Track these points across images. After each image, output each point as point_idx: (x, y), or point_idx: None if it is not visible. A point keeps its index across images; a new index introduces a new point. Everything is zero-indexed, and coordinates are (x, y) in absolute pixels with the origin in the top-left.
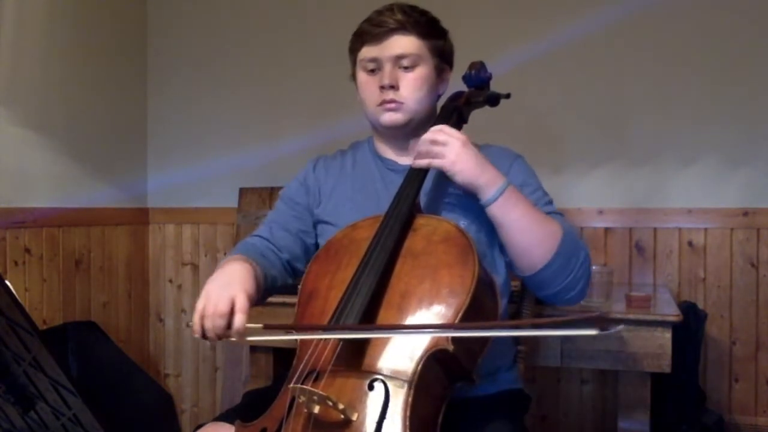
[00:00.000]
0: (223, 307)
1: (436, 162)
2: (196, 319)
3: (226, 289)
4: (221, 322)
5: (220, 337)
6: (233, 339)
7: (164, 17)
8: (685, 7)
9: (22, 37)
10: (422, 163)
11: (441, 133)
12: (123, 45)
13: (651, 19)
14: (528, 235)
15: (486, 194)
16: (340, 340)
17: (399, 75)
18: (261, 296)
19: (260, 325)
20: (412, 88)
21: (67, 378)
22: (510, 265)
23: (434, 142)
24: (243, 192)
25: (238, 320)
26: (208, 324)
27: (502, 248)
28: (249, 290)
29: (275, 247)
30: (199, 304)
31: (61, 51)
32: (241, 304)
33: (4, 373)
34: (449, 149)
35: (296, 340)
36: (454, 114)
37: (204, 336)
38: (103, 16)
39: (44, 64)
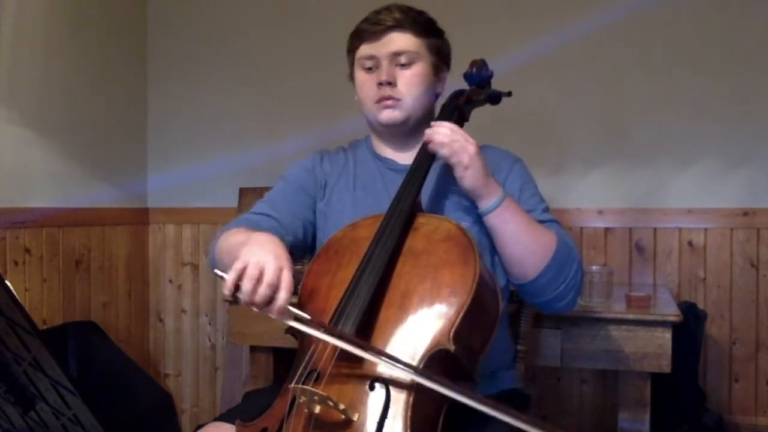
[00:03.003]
0: (272, 275)
1: (455, 158)
2: (232, 276)
3: (274, 259)
4: (266, 292)
5: (255, 305)
6: (270, 315)
7: (164, 17)
8: (685, 7)
9: (22, 37)
10: (444, 151)
11: (457, 133)
12: (123, 45)
13: (651, 19)
14: (522, 246)
15: (486, 203)
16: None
17: (396, 72)
18: None
19: (306, 316)
20: (409, 85)
21: (67, 378)
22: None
23: (454, 139)
24: (243, 192)
25: (282, 297)
26: (248, 286)
27: None
28: (292, 268)
29: (283, 229)
30: (239, 264)
31: (61, 51)
32: (287, 279)
33: (4, 373)
34: (466, 151)
35: (296, 337)
36: (456, 112)
37: (234, 299)
38: (103, 16)
39: (44, 64)
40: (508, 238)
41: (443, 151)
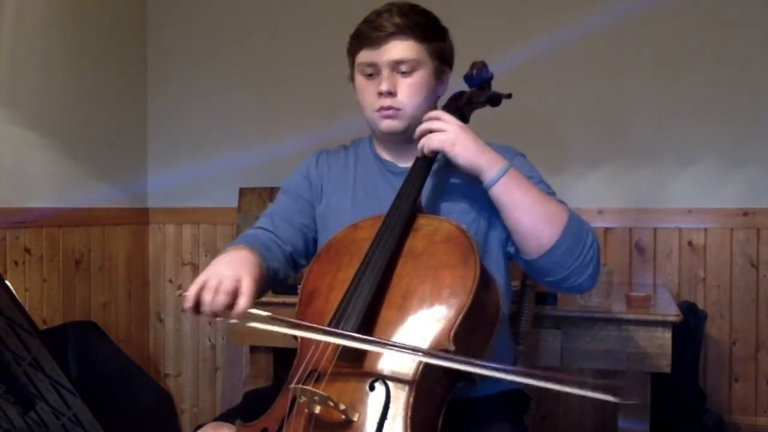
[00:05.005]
0: (229, 284)
1: (435, 141)
2: (193, 289)
3: (233, 269)
4: (223, 300)
5: (215, 315)
6: (231, 321)
7: (164, 17)
8: (685, 7)
9: (22, 37)
10: (431, 144)
11: (437, 120)
12: (123, 45)
13: (651, 19)
14: (533, 215)
15: (489, 174)
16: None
17: (397, 80)
18: (263, 288)
19: (267, 314)
20: (410, 94)
21: (67, 378)
22: (514, 255)
23: (430, 129)
24: (243, 192)
25: (243, 303)
26: (208, 297)
27: (507, 240)
28: (256, 277)
29: (279, 240)
30: (201, 277)
31: (61, 51)
32: (248, 287)
33: (4, 373)
34: (448, 132)
35: (297, 338)
36: (456, 113)
37: (196, 311)
38: (103, 16)
39: (44, 64)
40: (518, 208)
41: (432, 146)
